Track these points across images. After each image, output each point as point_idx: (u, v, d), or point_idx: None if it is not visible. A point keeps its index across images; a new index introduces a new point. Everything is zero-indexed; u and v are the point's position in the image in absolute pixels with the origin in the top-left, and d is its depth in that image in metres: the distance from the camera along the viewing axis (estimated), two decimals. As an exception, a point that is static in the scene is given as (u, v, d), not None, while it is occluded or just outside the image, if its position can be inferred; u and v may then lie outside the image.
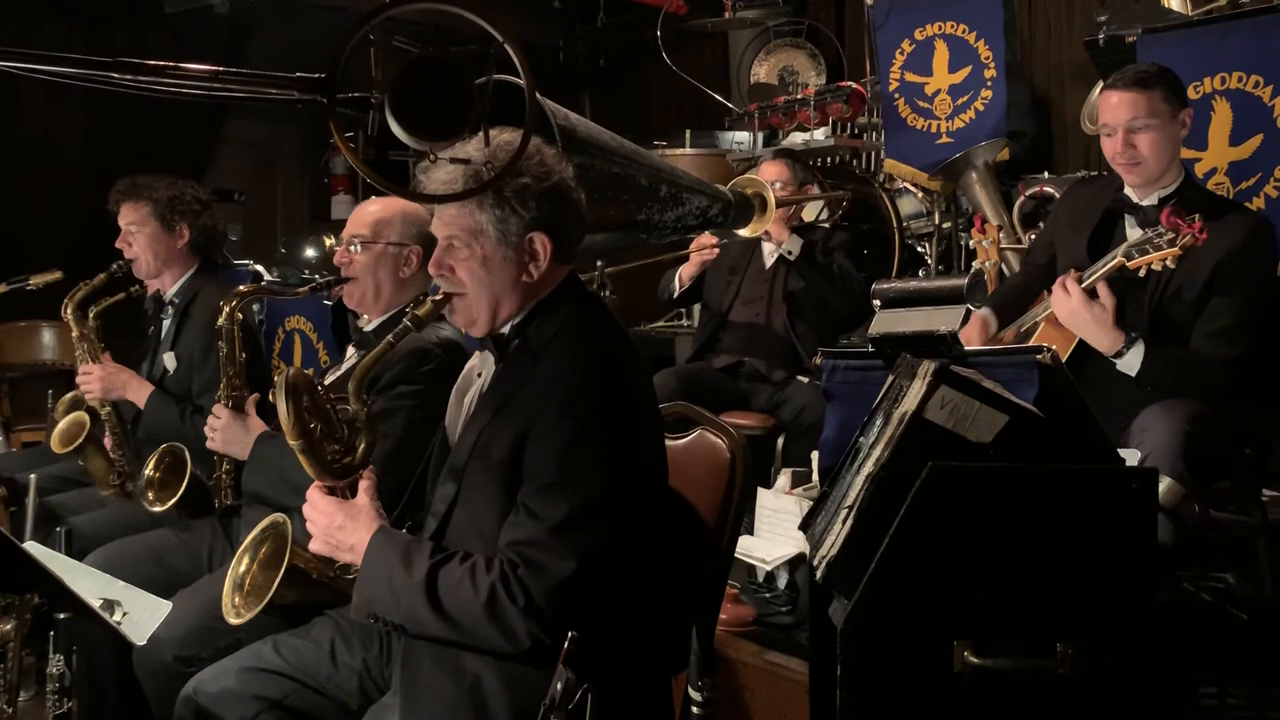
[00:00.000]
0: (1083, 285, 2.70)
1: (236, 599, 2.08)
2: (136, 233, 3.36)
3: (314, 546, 1.88)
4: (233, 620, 2.05)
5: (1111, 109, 2.81)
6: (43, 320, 5.47)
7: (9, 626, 2.06)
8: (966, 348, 2.81)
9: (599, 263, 4.14)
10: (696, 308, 4.75)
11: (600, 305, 1.94)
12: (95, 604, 1.96)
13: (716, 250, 4.22)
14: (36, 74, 1.11)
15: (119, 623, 2.00)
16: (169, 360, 3.32)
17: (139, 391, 3.28)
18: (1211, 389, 2.65)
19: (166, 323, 3.42)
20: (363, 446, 1.89)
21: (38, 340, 5.53)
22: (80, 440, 3.32)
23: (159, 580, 2.56)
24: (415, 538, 1.81)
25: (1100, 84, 2.97)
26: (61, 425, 3.40)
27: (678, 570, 1.92)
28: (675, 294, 4.38)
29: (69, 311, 3.38)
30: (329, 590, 2.10)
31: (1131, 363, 2.68)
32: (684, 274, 4.34)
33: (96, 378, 3.31)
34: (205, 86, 1.14)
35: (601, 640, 1.57)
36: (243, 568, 2.12)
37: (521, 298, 1.83)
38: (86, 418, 3.37)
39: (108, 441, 3.39)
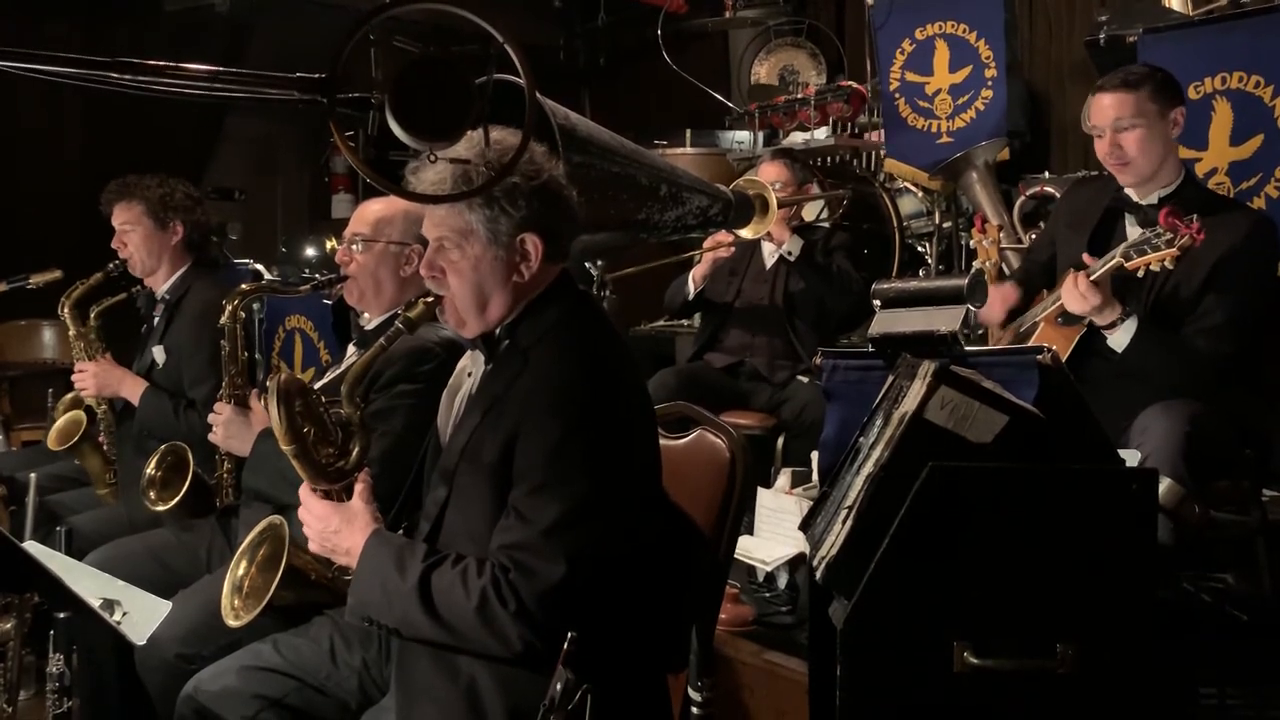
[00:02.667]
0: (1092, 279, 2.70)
1: (235, 601, 2.08)
2: (131, 232, 3.38)
3: (311, 549, 1.88)
4: (232, 623, 2.05)
5: (1100, 110, 2.83)
6: (43, 319, 5.48)
7: (9, 626, 2.06)
8: (1005, 303, 2.87)
9: (599, 263, 4.14)
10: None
11: (592, 304, 1.93)
12: (95, 603, 1.97)
13: (732, 249, 4.18)
14: (36, 74, 1.11)
15: (119, 622, 2.01)
16: (158, 353, 3.34)
17: (133, 388, 3.30)
18: (1198, 383, 2.65)
19: (158, 318, 3.43)
20: (357, 450, 1.89)
21: (38, 339, 5.54)
22: (76, 439, 3.33)
23: (158, 580, 2.57)
24: (409, 541, 1.80)
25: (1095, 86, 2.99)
26: (59, 423, 3.41)
27: (677, 570, 1.91)
28: (690, 296, 4.30)
29: (66, 310, 3.41)
30: (328, 591, 2.10)
31: (1121, 339, 2.68)
32: (697, 275, 4.28)
33: (91, 375, 3.33)
34: (205, 86, 1.14)
35: (601, 640, 1.56)
36: (241, 570, 2.12)
37: (513, 298, 1.81)
38: (84, 416, 3.38)
39: (103, 440, 3.40)
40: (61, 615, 2.07)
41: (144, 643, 2.04)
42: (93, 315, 3.42)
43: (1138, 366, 2.68)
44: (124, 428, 3.39)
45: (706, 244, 4.24)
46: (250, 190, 6.16)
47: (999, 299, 3.06)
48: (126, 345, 3.54)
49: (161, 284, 3.44)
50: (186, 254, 3.45)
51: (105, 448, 3.41)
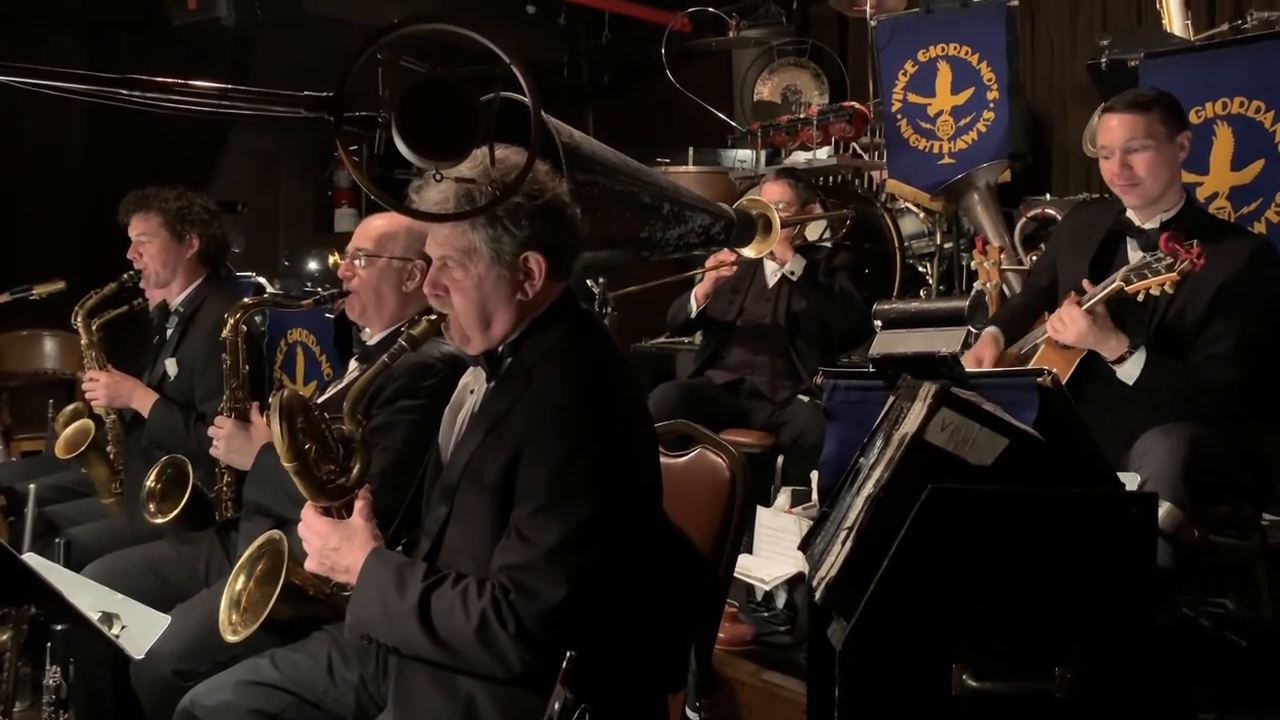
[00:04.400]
0: (1083, 309, 2.71)
1: (233, 617, 2.07)
2: (147, 243, 3.38)
3: (310, 566, 1.88)
4: (230, 638, 2.04)
5: (1109, 131, 2.84)
6: (44, 330, 5.47)
7: (6, 637, 2.06)
8: (980, 367, 2.84)
9: (601, 280, 4.15)
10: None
11: (595, 323, 1.94)
12: (93, 617, 1.96)
13: (735, 268, 4.20)
14: (44, 89, 1.12)
15: (117, 636, 2.00)
16: (170, 366, 3.33)
17: (144, 400, 3.29)
18: (1208, 409, 2.65)
19: (170, 330, 3.43)
20: (358, 467, 1.89)
21: (39, 349, 5.54)
22: (84, 447, 3.33)
23: (157, 593, 2.56)
24: (409, 559, 1.80)
25: (1102, 107, 3.00)
26: (67, 431, 3.41)
27: (676, 589, 1.91)
28: (693, 314, 4.32)
29: (79, 319, 3.40)
30: (326, 606, 2.10)
31: (1131, 371, 2.68)
32: (699, 293, 4.30)
33: (103, 385, 3.33)
34: (213, 103, 1.14)
35: (599, 659, 1.56)
36: (239, 585, 2.11)
37: (516, 316, 1.81)
38: (91, 425, 3.37)
39: (111, 450, 3.40)
40: (59, 628, 2.07)
41: (142, 657, 2.04)
42: (94, 327, 3.41)
43: (1147, 394, 2.68)
44: (132, 438, 3.38)
45: (709, 262, 4.25)
46: (253, 203, 6.18)
47: (989, 343, 3.01)
48: (128, 354, 3.54)
49: (175, 296, 3.44)
50: (201, 267, 3.46)
51: (113, 456, 3.40)
